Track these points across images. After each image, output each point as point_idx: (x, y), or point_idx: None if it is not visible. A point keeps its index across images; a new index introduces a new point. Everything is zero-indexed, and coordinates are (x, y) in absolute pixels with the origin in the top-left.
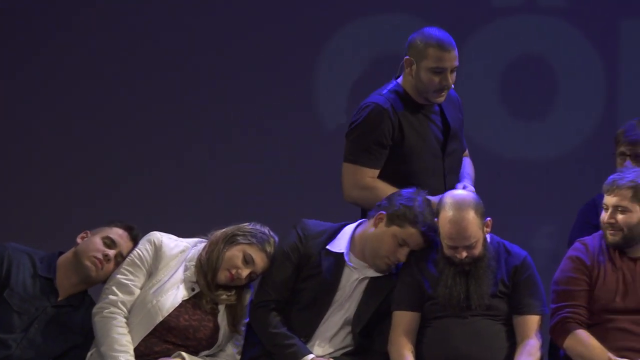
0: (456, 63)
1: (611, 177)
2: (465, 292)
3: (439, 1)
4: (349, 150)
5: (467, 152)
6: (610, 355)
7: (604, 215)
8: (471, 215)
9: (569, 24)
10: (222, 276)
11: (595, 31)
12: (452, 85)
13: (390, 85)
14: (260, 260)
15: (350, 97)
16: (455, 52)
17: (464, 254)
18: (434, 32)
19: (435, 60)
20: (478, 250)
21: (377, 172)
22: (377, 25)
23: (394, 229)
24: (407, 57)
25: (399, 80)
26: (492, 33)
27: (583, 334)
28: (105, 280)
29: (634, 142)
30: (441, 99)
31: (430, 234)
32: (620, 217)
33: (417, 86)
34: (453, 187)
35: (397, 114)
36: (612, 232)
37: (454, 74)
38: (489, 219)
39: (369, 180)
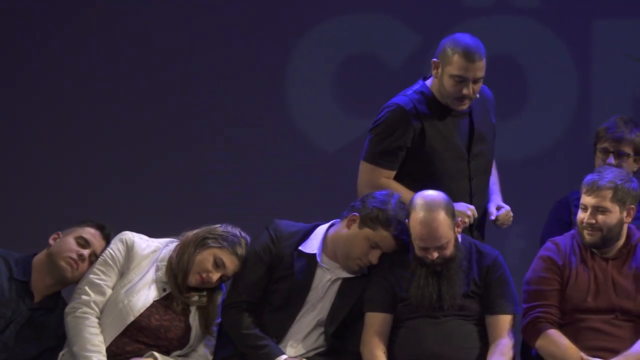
0: (480, 74)
1: (590, 177)
2: (437, 293)
3: (410, 1)
4: (368, 149)
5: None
6: (583, 355)
7: (583, 216)
8: (442, 216)
9: (541, 24)
10: (193, 279)
11: (568, 31)
12: (477, 95)
13: (417, 86)
14: (231, 263)
15: (322, 97)
16: (481, 63)
17: (436, 255)
18: (464, 39)
19: (458, 68)
20: (449, 251)
21: (393, 173)
22: (349, 25)
23: (367, 231)
24: (435, 59)
25: (428, 81)
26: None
27: (555, 334)
28: (79, 280)
29: (618, 139)
30: (462, 107)
31: (403, 237)
32: (600, 217)
33: (440, 90)
34: (480, 190)
35: (420, 115)
36: (590, 232)
37: (478, 84)
38: (459, 219)
39: (384, 181)
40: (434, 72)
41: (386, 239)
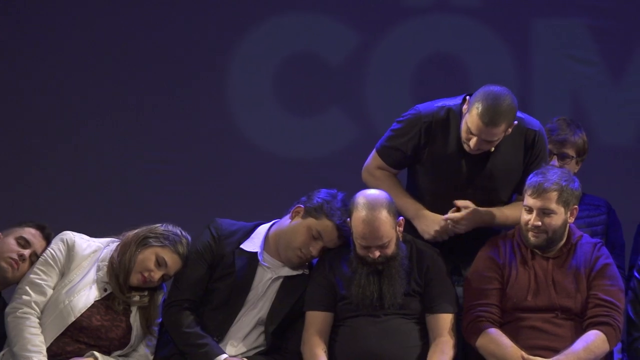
0: (492, 138)
1: (534, 179)
2: (378, 292)
3: (349, 1)
4: (381, 138)
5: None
6: (523, 353)
7: (528, 218)
8: (384, 215)
9: (481, 23)
10: (135, 279)
11: (507, 31)
12: (491, 149)
13: (455, 101)
14: (172, 262)
15: (263, 96)
16: (495, 130)
17: (377, 254)
18: (492, 98)
19: (472, 122)
20: (391, 250)
21: (389, 167)
22: (288, 25)
23: (310, 220)
24: (468, 97)
25: (465, 103)
26: (403, 33)
27: (495, 333)
28: (20, 280)
29: (561, 141)
30: (471, 151)
31: (345, 228)
32: (546, 220)
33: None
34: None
35: (433, 132)
36: (535, 234)
37: (491, 144)
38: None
39: (377, 170)
40: (464, 106)
41: (328, 229)
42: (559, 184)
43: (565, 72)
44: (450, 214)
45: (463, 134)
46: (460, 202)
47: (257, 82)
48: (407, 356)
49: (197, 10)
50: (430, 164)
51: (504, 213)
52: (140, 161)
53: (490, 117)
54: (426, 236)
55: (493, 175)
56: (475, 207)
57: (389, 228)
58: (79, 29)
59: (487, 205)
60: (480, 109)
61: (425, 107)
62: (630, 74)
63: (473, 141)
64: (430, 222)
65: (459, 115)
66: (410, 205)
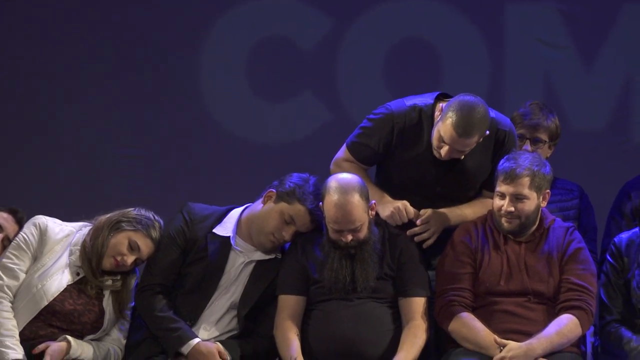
0: (464, 148)
1: (506, 164)
2: (350, 275)
3: None
4: (352, 134)
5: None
6: (496, 337)
7: (501, 203)
8: (356, 199)
9: (454, 7)
10: (107, 263)
11: (480, 15)
12: (461, 157)
13: (426, 101)
14: (145, 246)
15: (236, 82)
16: (468, 140)
17: (350, 238)
18: (467, 108)
19: (445, 131)
20: (363, 234)
21: (356, 161)
22: (259, 9)
23: (282, 205)
24: (443, 105)
25: (440, 104)
26: (375, 17)
27: (468, 317)
28: None
29: (534, 125)
30: (441, 158)
31: (318, 213)
32: (519, 205)
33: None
34: None
35: (404, 133)
36: (509, 219)
37: (462, 153)
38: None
39: (345, 163)
40: (436, 113)
41: (300, 213)
42: (531, 169)
43: (537, 57)
44: (413, 230)
45: (435, 142)
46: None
47: (228, 67)
48: (379, 340)
49: None
50: (399, 163)
51: (464, 212)
52: (113, 146)
53: (464, 128)
54: (385, 214)
55: (463, 176)
56: (433, 210)
57: (361, 212)
58: (48, 14)
59: (452, 202)
60: (454, 119)
61: (397, 106)
62: (601, 58)
63: (444, 150)
64: (389, 207)
65: (431, 116)
66: (373, 193)
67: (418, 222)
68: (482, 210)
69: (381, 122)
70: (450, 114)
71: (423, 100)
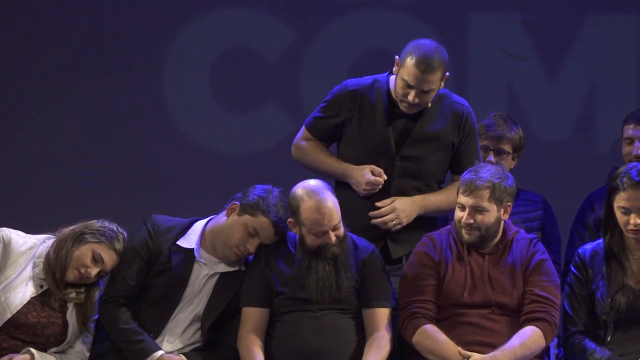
0: (429, 87)
1: (467, 176)
2: (335, 280)
3: None
4: (311, 114)
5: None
6: (460, 349)
7: (461, 215)
8: (330, 196)
9: (417, 18)
10: (71, 275)
11: (443, 26)
12: (428, 104)
13: (381, 75)
14: (109, 258)
15: (199, 92)
16: (432, 77)
17: (334, 237)
18: (425, 48)
19: (408, 74)
20: (341, 230)
21: (314, 139)
22: (223, 20)
23: (246, 217)
24: (398, 57)
25: (393, 76)
26: (339, 28)
27: (431, 329)
28: None
29: (498, 137)
30: (409, 111)
31: (282, 225)
32: (478, 217)
33: (394, 87)
34: (402, 193)
35: (361, 102)
36: (469, 231)
37: (429, 95)
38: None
39: (303, 141)
40: (394, 68)
41: (265, 225)
42: (491, 182)
43: (501, 68)
44: (375, 212)
45: (399, 91)
46: (380, 203)
47: (193, 77)
48: (344, 351)
49: (134, 3)
50: (358, 134)
51: (435, 200)
52: (75, 156)
53: (426, 64)
54: (362, 192)
55: (420, 141)
56: (400, 198)
57: (337, 208)
58: (11, 23)
59: (414, 179)
60: (415, 58)
61: (352, 80)
62: (565, 69)
63: (411, 94)
64: (360, 177)
65: (386, 84)
66: (338, 166)
67: (377, 204)
68: (454, 196)
69: (337, 94)
70: (409, 56)
71: (381, 75)
